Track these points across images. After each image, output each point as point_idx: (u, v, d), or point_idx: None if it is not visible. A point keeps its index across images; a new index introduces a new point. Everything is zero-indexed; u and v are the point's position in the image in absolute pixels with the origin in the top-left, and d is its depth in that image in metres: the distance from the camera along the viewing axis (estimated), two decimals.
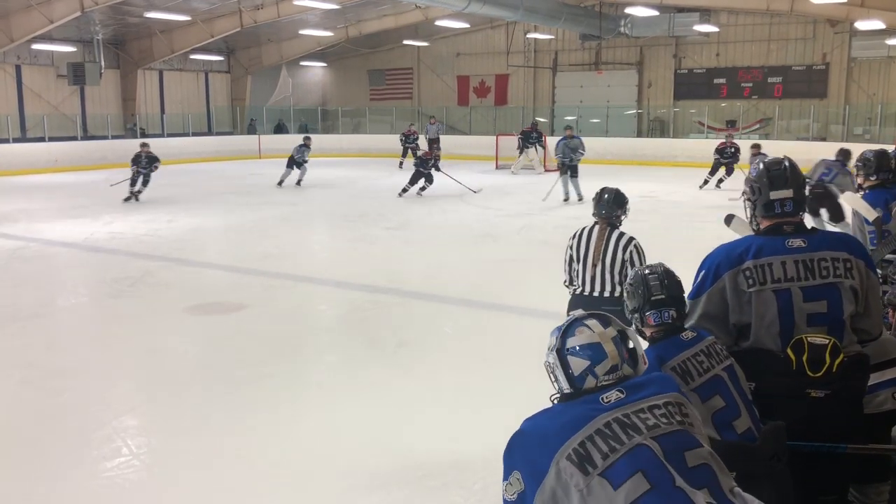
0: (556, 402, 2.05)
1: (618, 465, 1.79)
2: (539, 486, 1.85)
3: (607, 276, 4.38)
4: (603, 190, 4.60)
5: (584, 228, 4.53)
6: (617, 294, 4.33)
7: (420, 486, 3.75)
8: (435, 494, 3.68)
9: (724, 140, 16.46)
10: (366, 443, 4.23)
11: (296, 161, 17.15)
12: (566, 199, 14.34)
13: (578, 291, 4.48)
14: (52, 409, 4.78)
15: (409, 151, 21.31)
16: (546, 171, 18.85)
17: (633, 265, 4.33)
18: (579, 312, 2.11)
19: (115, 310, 7.29)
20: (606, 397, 1.91)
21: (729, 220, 3.76)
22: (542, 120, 27.61)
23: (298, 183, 17.12)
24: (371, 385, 5.15)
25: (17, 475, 3.91)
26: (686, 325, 2.62)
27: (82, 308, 7.56)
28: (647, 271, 2.66)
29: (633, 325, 2.64)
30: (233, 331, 6.51)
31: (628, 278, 2.70)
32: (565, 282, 4.63)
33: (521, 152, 20.37)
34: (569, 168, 14.58)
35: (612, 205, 4.50)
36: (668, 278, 2.63)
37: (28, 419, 4.65)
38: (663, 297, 2.57)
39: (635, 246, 4.42)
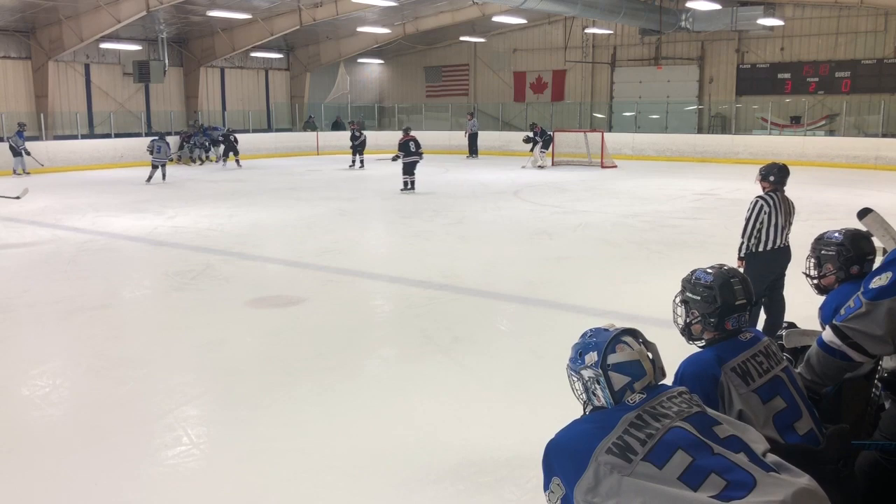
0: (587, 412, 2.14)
1: (657, 447, 1.88)
2: (577, 482, 1.91)
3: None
4: (774, 165, 5.63)
5: (769, 197, 5.45)
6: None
7: (473, 482, 3.74)
8: (488, 490, 3.67)
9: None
10: (419, 437, 4.25)
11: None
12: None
13: (771, 247, 5.46)
14: (116, 397, 4.93)
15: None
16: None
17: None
18: (612, 326, 2.14)
19: (177, 302, 7.48)
20: (631, 398, 2.03)
21: (864, 214, 3.38)
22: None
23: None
24: (425, 380, 5.18)
25: (82, 462, 4.04)
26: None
27: (146, 300, 7.76)
28: (728, 275, 2.52)
29: (693, 328, 2.57)
30: (291, 324, 6.62)
31: (701, 280, 2.53)
32: (747, 245, 5.51)
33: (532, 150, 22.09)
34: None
35: (787, 176, 5.63)
36: (745, 281, 2.54)
37: (94, 407, 4.80)
38: (745, 301, 2.49)
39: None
